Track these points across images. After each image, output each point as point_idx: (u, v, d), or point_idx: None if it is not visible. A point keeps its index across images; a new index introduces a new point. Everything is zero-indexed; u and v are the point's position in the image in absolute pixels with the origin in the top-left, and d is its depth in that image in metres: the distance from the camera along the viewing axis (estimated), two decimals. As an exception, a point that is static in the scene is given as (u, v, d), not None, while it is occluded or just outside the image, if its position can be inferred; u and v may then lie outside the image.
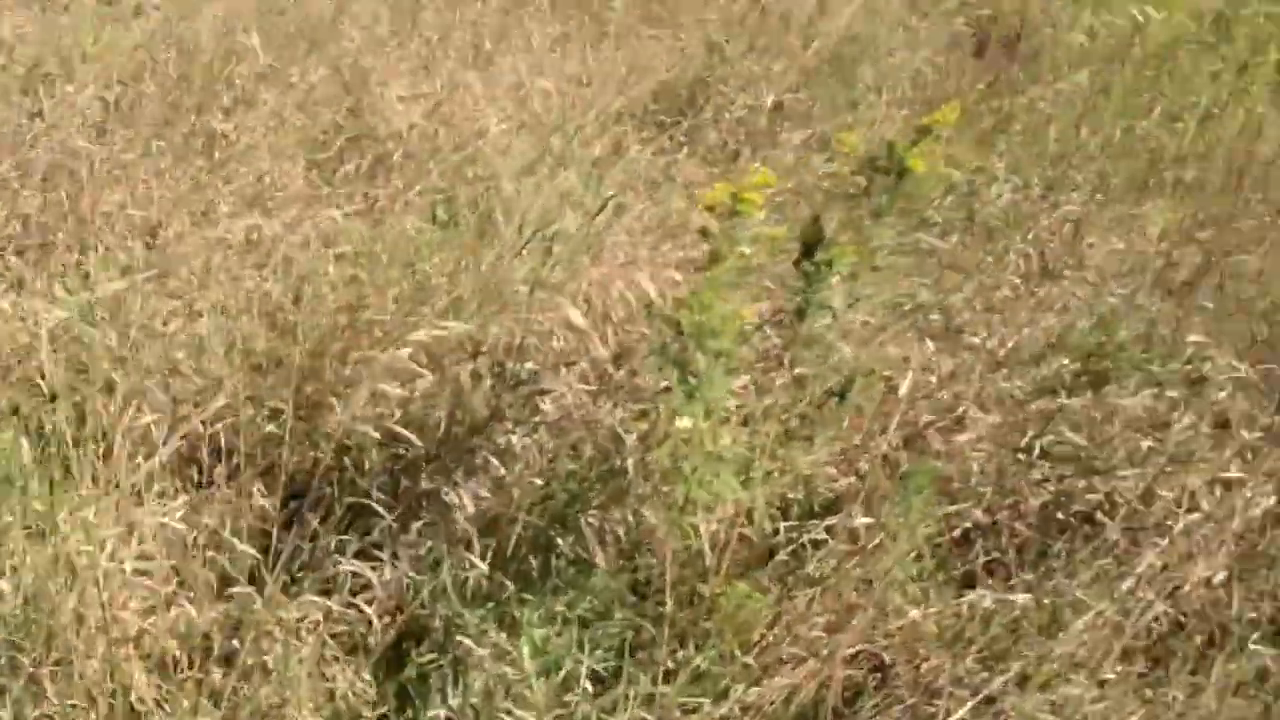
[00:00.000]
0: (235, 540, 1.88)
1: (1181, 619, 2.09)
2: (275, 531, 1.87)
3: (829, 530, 2.26)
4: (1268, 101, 4.11)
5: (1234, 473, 2.24)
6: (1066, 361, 2.76)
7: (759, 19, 4.60)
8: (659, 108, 4.27)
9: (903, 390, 2.62)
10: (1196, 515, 2.09)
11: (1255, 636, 2.01)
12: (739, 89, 4.28)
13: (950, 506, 2.45)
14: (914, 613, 1.99)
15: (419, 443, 2.14)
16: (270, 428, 2.23)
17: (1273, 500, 2.18)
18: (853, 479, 2.51)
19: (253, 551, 1.87)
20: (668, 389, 1.84)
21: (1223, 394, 2.44)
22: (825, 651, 1.85)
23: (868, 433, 2.62)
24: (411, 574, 1.85)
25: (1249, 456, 2.33)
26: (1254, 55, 4.16)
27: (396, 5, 4.73)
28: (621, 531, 2.06)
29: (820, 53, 4.39)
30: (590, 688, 1.76)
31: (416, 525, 1.97)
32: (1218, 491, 2.26)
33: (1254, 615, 2.08)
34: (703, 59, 4.48)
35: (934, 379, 2.82)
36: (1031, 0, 5.24)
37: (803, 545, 2.16)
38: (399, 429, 2.12)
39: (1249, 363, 2.53)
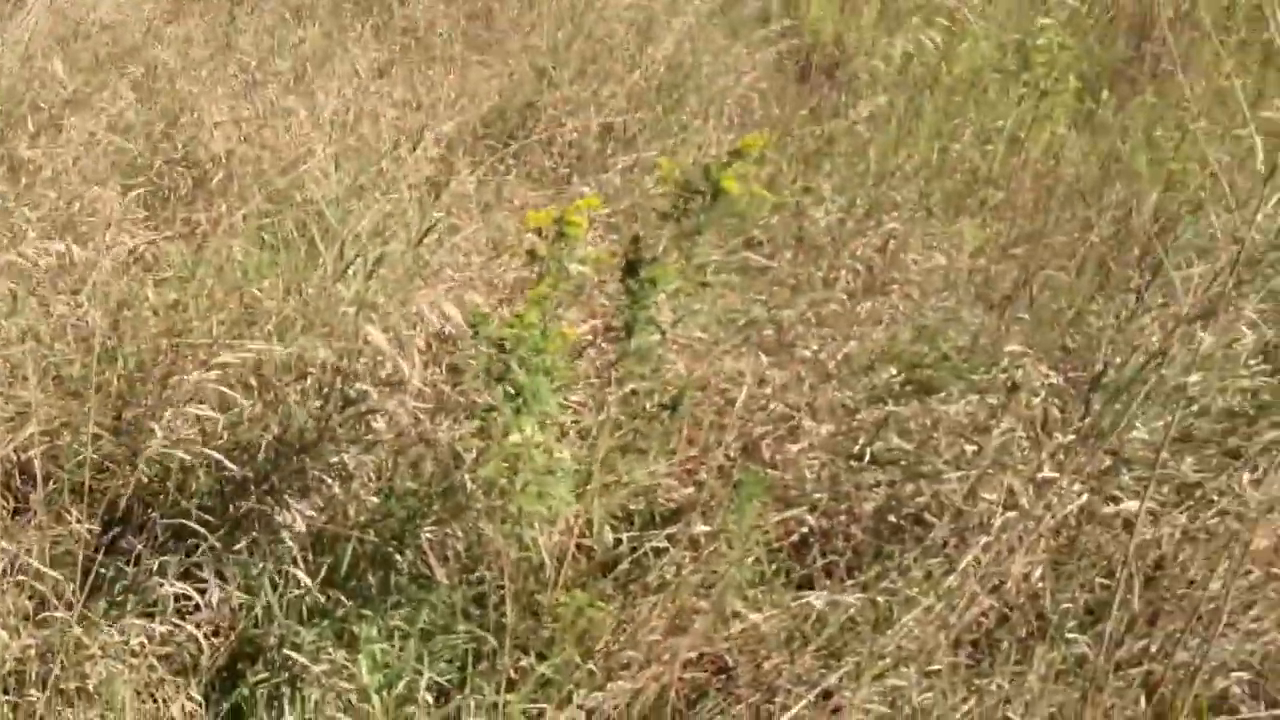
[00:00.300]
0: (45, 567, 1.78)
1: (1006, 611, 2.17)
2: (99, 556, 1.79)
3: (670, 538, 2.29)
4: (1068, 125, 4.35)
5: (1049, 473, 2.34)
6: (894, 372, 2.86)
7: (585, 45, 4.64)
8: (489, 132, 4.27)
9: (738, 402, 2.67)
10: (1015, 513, 2.18)
11: (1072, 625, 2.10)
12: (568, 113, 4.31)
13: (787, 512, 2.50)
14: (754, 616, 2.02)
15: (231, 465, 2.08)
16: (89, 453, 2.14)
17: (1084, 498, 2.29)
18: (692, 489, 2.55)
19: (59, 576, 1.78)
20: (493, 408, 1.83)
21: (1037, 400, 2.55)
22: (666, 655, 1.86)
23: (706, 444, 2.67)
24: (240, 594, 1.79)
25: (1062, 457, 2.44)
26: (1053, 83, 4.39)
27: (211, 30, 4.62)
28: (461, 546, 2.04)
29: (647, 78, 4.46)
30: (431, 700, 1.73)
31: (242, 544, 1.91)
32: (1034, 491, 2.36)
33: (1070, 606, 2.17)
34: (531, 84, 4.50)
35: (769, 391, 2.89)
36: (848, 28, 5.44)
37: (645, 554, 2.18)
38: (211, 451, 2.05)
39: (1061, 371, 2.66)
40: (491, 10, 5.34)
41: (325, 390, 2.29)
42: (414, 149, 3.90)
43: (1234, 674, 2.02)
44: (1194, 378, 2.22)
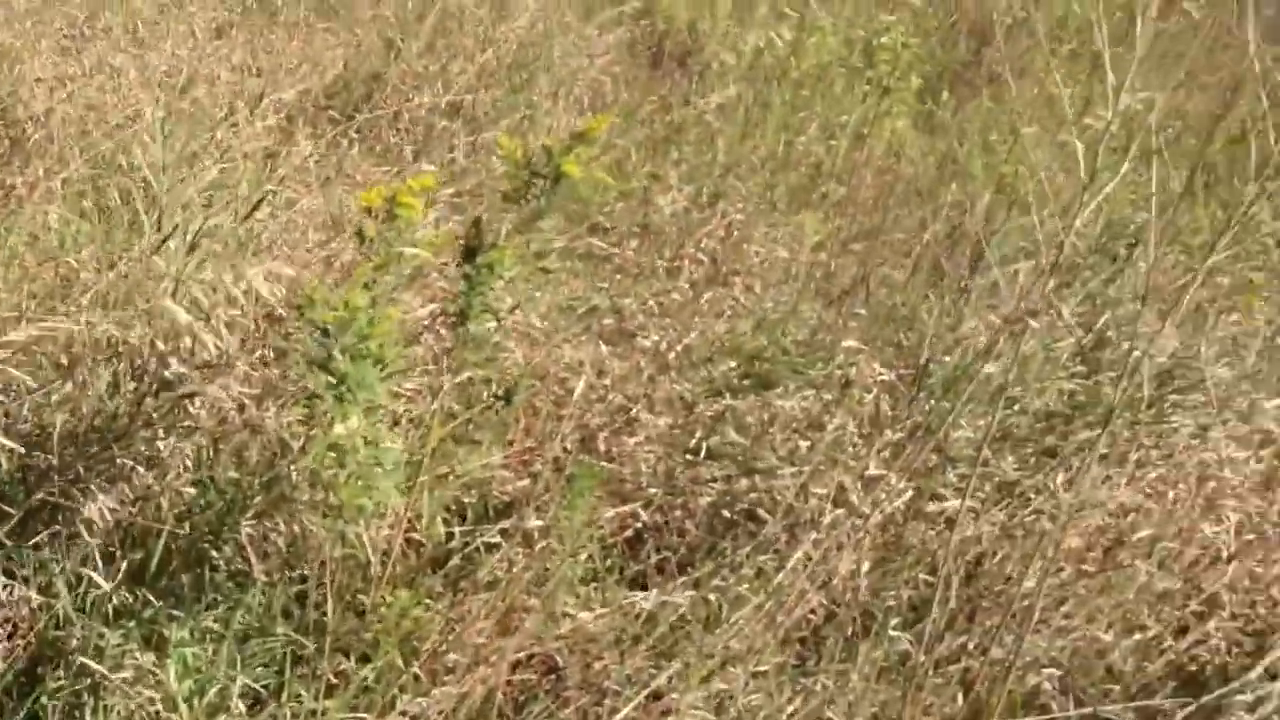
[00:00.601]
0: None
1: (834, 609, 2.21)
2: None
3: (503, 533, 2.26)
4: (909, 124, 4.44)
5: (877, 470, 2.39)
6: (733, 365, 2.87)
7: (437, 19, 4.54)
8: (332, 103, 4.14)
9: (577, 393, 2.65)
10: (843, 510, 2.21)
11: (896, 623, 2.15)
12: (415, 88, 4.21)
13: (622, 508, 2.50)
14: (584, 615, 2.01)
15: (19, 447, 1.95)
16: None
17: (910, 494, 2.34)
18: (527, 481, 2.52)
19: None
20: (316, 396, 1.76)
21: (869, 396, 2.59)
22: (494, 657, 1.83)
23: (542, 435, 2.64)
24: (36, 594, 1.68)
25: (889, 455, 2.49)
26: (896, 81, 4.48)
27: (34, -19, 4.35)
28: (283, 542, 1.97)
29: (498, 56, 4.38)
30: (245, 707, 1.66)
31: (37, 540, 1.80)
32: (863, 487, 2.40)
33: (894, 603, 2.22)
34: (379, 55, 4.38)
35: (608, 381, 2.87)
36: (701, 16, 5.45)
37: (476, 549, 2.14)
38: (4, 439, 1.92)
39: (893, 368, 2.71)
40: (340, -25, 5.18)
41: (140, 372, 2.17)
42: (251, 116, 3.76)
43: (1045, 670, 2.10)
44: (1014, 378, 2.29)
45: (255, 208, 2.47)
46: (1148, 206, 3.04)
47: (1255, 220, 2.55)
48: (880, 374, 2.62)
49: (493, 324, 2.15)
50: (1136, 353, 2.05)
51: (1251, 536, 2.23)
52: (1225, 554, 2.20)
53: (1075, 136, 2.17)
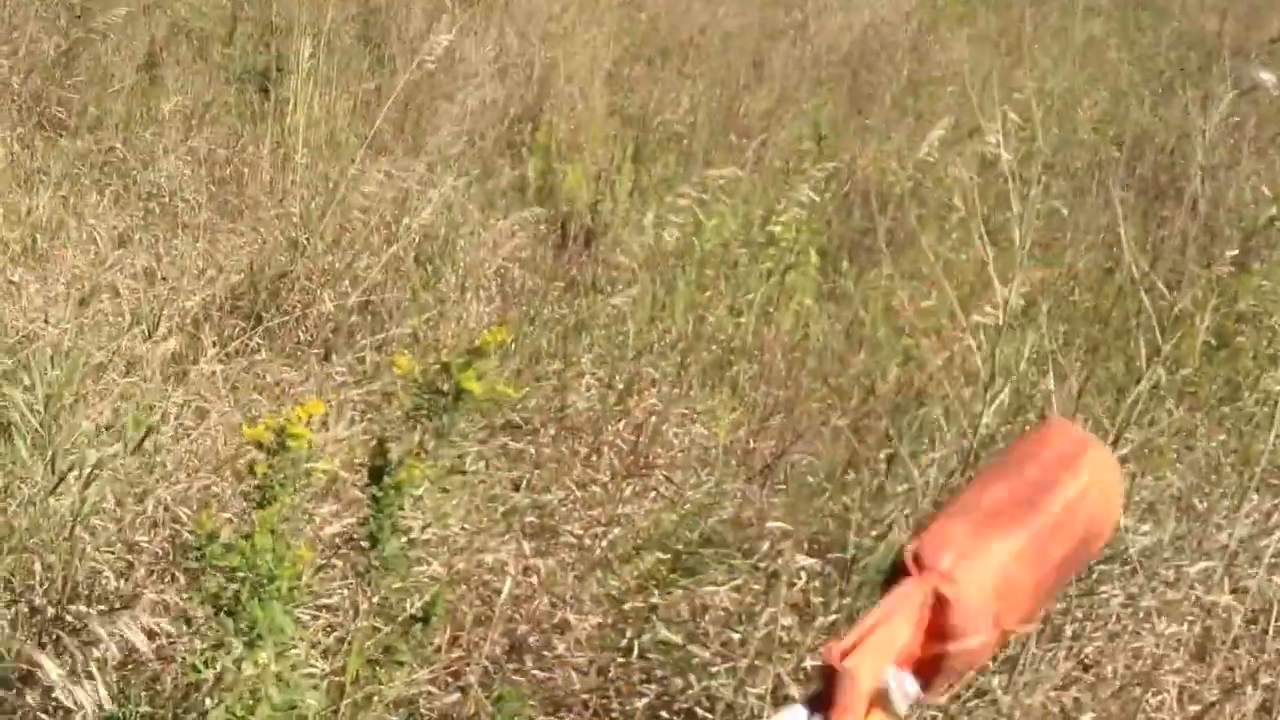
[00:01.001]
0: None
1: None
2: None
3: (433, 757, 2.17)
4: (813, 298, 4.55)
5: (814, 661, 2.35)
6: (660, 555, 2.84)
7: (340, 214, 4.57)
8: (239, 306, 4.11)
9: (502, 597, 2.59)
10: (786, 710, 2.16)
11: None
12: (322, 285, 4.21)
13: (555, 716, 2.42)
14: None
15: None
16: None
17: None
18: (457, 695, 2.43)
19: None
20: (220, 644, 1.69)
21: (799, 585, 2.57)
22: None
23: (469, 644, 2.56)
24: None
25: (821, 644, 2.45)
26: (797, 257, 4.61)
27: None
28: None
29: (403, 250, 4.41)
30: None
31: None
32: (802, 680, 2.36)
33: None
34: (285, 253, 4.38)
35: (534, 580, 2.82)
36: (603, 197, 5.57)
37: (406, 780, 2.04)
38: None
39: (818, 554, 2.70)
40: (243, 175, 5.22)
41: (37, 618, 2.07)
42: (155, 326, 3.71)
43: None
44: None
45: (143, 440, 2.40)
46: (1049, 373, 3.12)
47: (1154, 383, 2.63)
48: (806, 562, 2.61)
49: (404, 542, 2.11)
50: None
51: (1195, 708, 2.23)
52: (1169, 730, 2.20)
53: (968, 333, 2.23)
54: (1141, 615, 2.37)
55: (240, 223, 4.74)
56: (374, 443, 2.06)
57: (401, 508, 2.03)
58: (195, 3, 7.53)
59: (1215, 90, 4.31)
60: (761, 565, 2.64)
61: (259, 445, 1.83)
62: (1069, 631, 2.36)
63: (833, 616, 2.52)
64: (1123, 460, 2.88)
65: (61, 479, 2.28)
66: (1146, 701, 2.21)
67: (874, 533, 2.54)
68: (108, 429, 2.81)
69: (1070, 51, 8.11)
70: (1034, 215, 2.15)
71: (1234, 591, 2.48)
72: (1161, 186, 6.19)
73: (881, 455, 3.15)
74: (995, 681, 2.19)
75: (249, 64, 6.79)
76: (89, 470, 2.32)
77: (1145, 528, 2.60)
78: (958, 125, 5.18)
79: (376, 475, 2.02)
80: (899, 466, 2.56)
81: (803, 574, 2.51)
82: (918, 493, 2.44)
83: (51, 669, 1.95)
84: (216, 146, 5.49)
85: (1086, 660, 2.39)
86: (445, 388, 2.07)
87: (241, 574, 1.68)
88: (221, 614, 1.67)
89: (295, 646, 1.90)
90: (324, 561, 2.54)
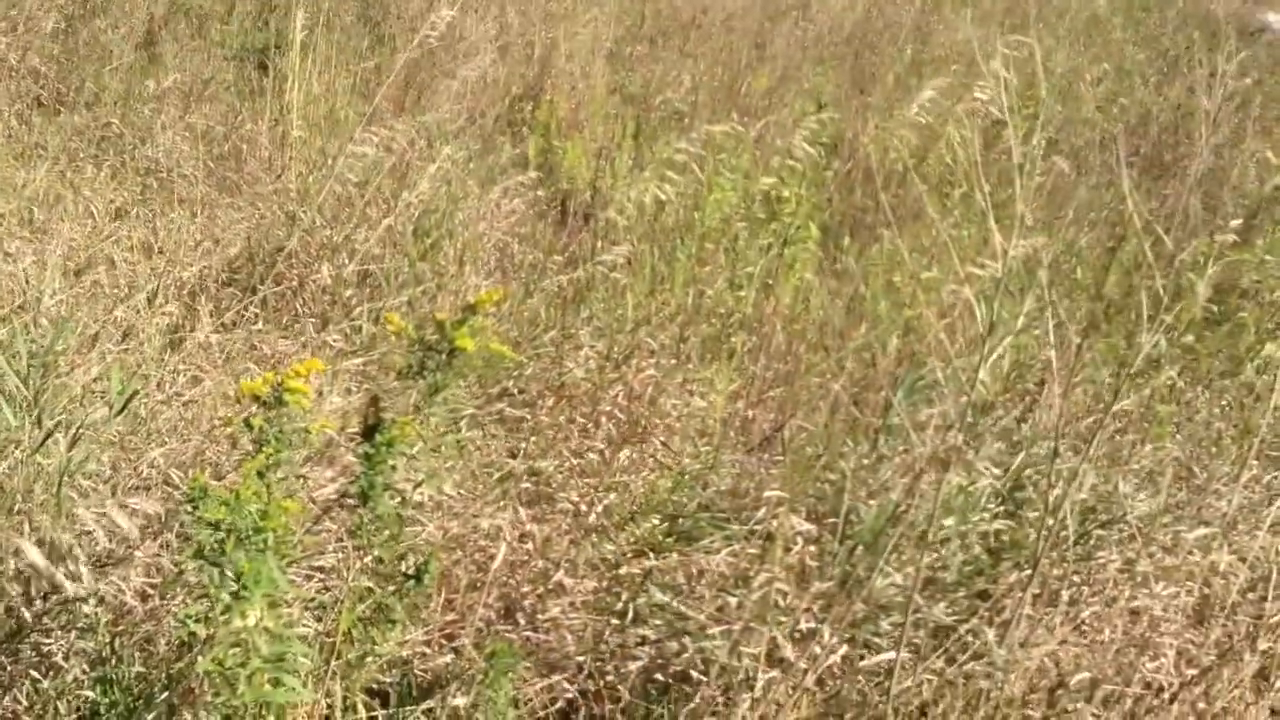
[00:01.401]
0: None
1: (775, 774, 2.13)
2: None
3: (428, 714, 2.16)
4: (814, 272, 4.53)
5: (809, 624, 2.34)
6: (656, 522, 2.83)
7: (338, 189, 4.54)
8: (236, 278, 4.10)
9: (497, 561, 2.57)
10: (778, 672, 2.15)
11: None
12: (319, 258, 4.19)
13: (550, 678, 2.41)
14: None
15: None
16: None
17: (843, 649, 2.29)
18: (450, 657, 2.42)
19: None
20: (209, 593, 1.68)
21: (795, 549, 2.56)
22: None
23: (464, 607, 2.55)
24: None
25: (817, 609, 2.44)
26: (797, 231, 4.58)
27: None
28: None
29: (402, 223, 4.39)
30: None
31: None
32: (796, 643, 2.35)
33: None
34: (282, 227, 4.35)
35: (529, 546, 2.80)
36: (602, 174, 5.55)
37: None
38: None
39: (816, 518, 2.69)
40: (241, 151, 5.20)
41: (27, 576, 2.06)
42: (154, 296, 3.70)
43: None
44: (932, 529, 2.27)
45: (128, 402, 2.39)
46: (1050, 343, 3.10)
47: (1156, 351, 2.61)
48: (802, 526, 2.59)
49: (395, 502, 2.10)
50: (1056, 491, 2.05)
51: (1192, 671, 2.21)
52: (1168, 693, 2.18)
53: (966, 285, 2.21)
54: (1139, 580, 2.35)
55: (238, 197, 4.72)
56: (368, 400, 2.05)
57: (394, 466, 2.02)
58: (195, -20, 7.51)
59: (1219, 65, 4.28)
60: (757, 529, 2.62)
61: (256, 399, 1.81)
62: (1065, 596, 2.35)
63: (829, 582, 2.50)
64: (1122, 429, 2.87)
65: (48, 436, 2.26)
66: (1144, 664, 2.19)
67: (866, 494, 2.52)
68: (100, 395, 2.80)
69: (1075, 31, 8.06)
70: (1034, 175, 2.12)
71: (1233, 557, 2.46)
72: (1165, 164, 6.15)
73: (879, 422, 3.13)
74: (991, 635, 2.17)
75: (247, 41, 6.77)
76: (75, 429, 2.30)
77: (1143, 495, 2.58)
78: (959, 100, 5.14)
79: (369, 432, 2.00)
80: (896, 430, 2.54)
81: (799, 538, 2.49)
82: (912, 454, 2.42)
83: (32, 551, 1.93)
84: (214, 123, 5.47)
85: (1083, 625, 2.37)
86: (439, 346, 2.05)
87: (227, 526, 1.67)
88: (207, 565, 1.66)
89: (286, 603, 1.89)
90: (318, 527, 2.53)
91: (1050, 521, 1.95)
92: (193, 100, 5.69)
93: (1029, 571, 2.12)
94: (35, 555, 1.95)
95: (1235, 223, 3.63)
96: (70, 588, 1.99)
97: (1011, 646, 2.00)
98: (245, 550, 1.64)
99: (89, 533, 2.15)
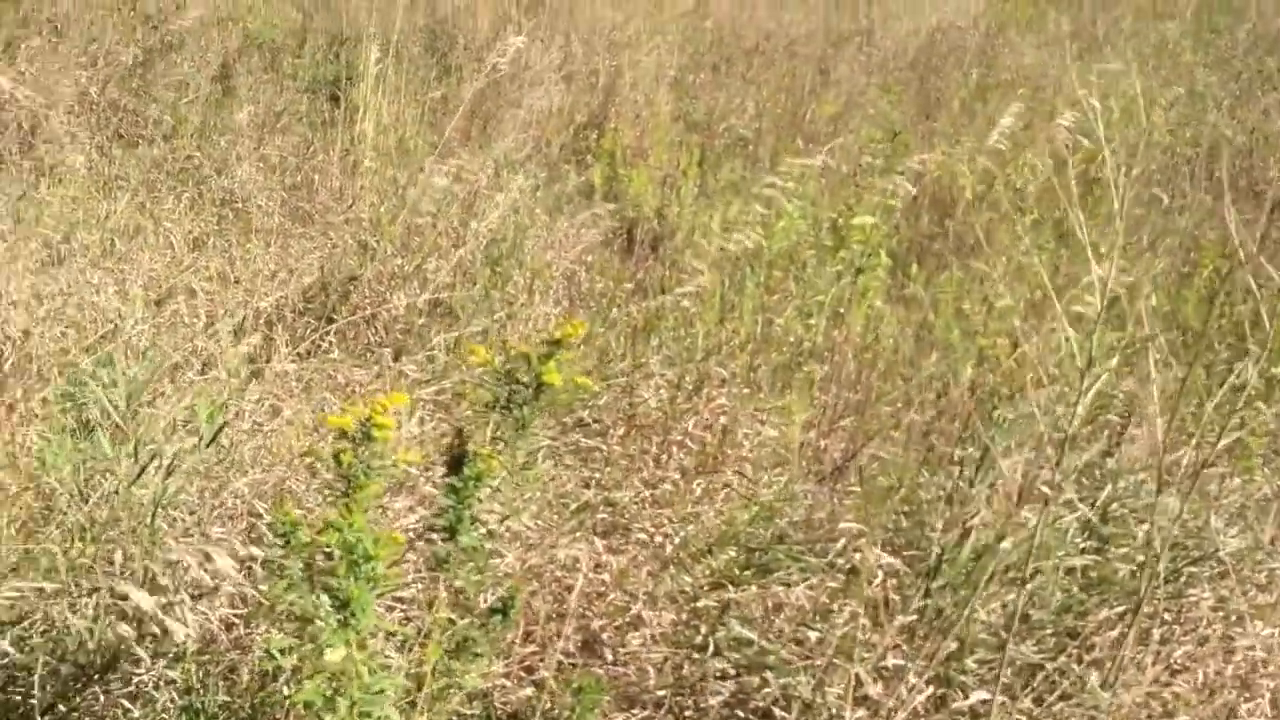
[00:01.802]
0: None
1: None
2: None
3: (510, 750, 2.16)
4: (883, 300, 4.50)
5: (894, 660, 2.32)
6: (733, 553, 2.81)
7: (409, 218, 4.60)
8: (310, 307, 4.15)
9: (575, 592, 2.57)
10: (865, 711, 2.13)
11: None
12: (392, 287, 4.23)
13: (630, 711, 2.40)
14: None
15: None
16: None
17: (930, 689, 2.26)
18: (531, 690, 2.42)
19: None
20: (308, 621, 1.69)
21: (875, 582, 2.53)
22: None
23: (543, 639, 2.55)
24: None
25: (903, 643, 2.41)
26: (867, 259, 4.55)
27: (8, 203, 4.39)
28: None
29: (472, 253, 4.42)
30: None
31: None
32: (881, 680, 2.32)
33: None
34: (354, 257, 4.41)
35: (606, 577, 2.80)
36: (669, 203, 5.56)
37: (484, 772, 2.03)
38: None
39: (895, 551, 2.66)
40: (313, 181, 5.28)
41: (117, 606, 2.09)
42: (239, 326, 3.76)
43: None
44: (1027, 569, 2.23)
45: (216, 435, 2.42)
46: (1132, 373, 3.05)
47: (1241, 382, 2.55)
48: (885, 559, 2.57)
49: (482, 532, 2.10)
50: (1145, 526, 2.01)
51: (1289, 711, 2.16)
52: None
53: (1064, 323, 2.18)
54: (1233, 619, 2.30)
55: (311, 227, 4.79)
56: (454, 433, 2.06)
57: (480, 499, 2.02)
58: (267, 15, 7.66)
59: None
60: (836, 564, 2.60)
61: (343, 434, 1.82)
62: (1156, 635, 2.30)
63: (911, 616, 2.47)
64: (1211, 462, 2.81)
65: (143, 469, 2.30)
66: (1241, 705, 2.14)
67: (943, 527, 2.49)
68: (185, 425, 2.84)
69: (1143, 54, 7.97)
70: (1127, 204, 2.09)
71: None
72: (1240, 190, 6.05)
73: (958, 454, 3.10)
74: (1093, 678, 2.13)
75: (319, 74, 6.89)
76: (168, 461, 2.34)
77: (1234, 530, 2.53)
78: (1029, 125, 5.10)
79: (455, 465, 2.01)
80: (984, 464, 2.51)
81: (880, 571, 2.47)
82: (998, 490, 2.39)
83: (143, 600, 1.96)
84: (288, 154, 5.57)
85: (1175, 665, 2.32)
86: (525, 379, 2.06)
87: (339, 552, 1.68)
88: (308, 593, 1.67)
89: (374, 635, 1.89)
90: (397, 557, 2.54)
91: (1143, 558, 1.91)
92: (266, 131, 5.80)
93: (1121, 609, 2.08)
94: (145, 601, 1.98)
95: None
96: (178, 631, 2.01)
97: (1111, 687, 1.96)
98: (355, 577, 1.66)
99: (178, 563, 2.18)
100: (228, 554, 2.21)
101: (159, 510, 2.21)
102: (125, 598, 2.03)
